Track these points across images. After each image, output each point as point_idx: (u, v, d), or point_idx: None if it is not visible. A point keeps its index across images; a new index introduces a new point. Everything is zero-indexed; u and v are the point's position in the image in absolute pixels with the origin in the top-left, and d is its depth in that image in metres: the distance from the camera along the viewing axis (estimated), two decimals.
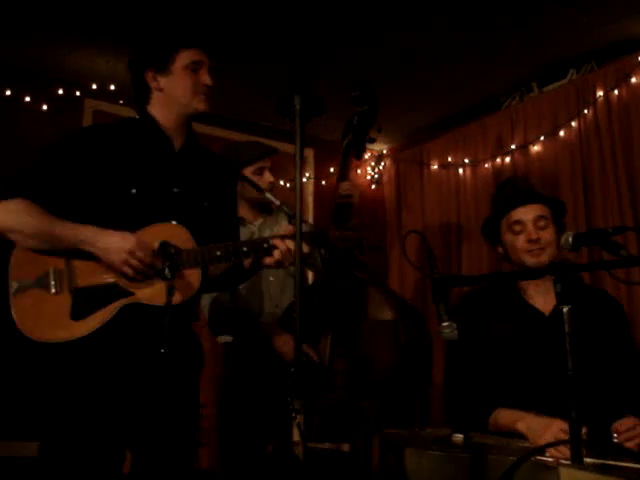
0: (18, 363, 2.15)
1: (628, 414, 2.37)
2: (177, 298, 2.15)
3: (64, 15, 4.03)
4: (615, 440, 2.28)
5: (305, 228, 2.42)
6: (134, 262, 2.13)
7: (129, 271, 2.15)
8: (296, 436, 1.80)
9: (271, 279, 3.35)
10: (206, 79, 2.40)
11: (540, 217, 2.68)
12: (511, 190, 2.81)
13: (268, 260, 2.26)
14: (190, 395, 2.39)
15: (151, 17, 4.04)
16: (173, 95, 2.39)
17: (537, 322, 2.62)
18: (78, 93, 4.87)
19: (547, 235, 2.65)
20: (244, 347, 3.26)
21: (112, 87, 4.89)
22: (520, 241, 2.67)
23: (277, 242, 2.23)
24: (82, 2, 3.90)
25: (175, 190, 2.37)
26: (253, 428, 3.15)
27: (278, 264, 2.26)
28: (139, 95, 2.46)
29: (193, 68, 2.39)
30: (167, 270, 2.03)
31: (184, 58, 2.39)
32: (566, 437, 2.15)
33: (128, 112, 4.83)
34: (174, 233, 2.22)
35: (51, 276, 2.19)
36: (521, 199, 2.72)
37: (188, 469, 2.34)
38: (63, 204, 2.24)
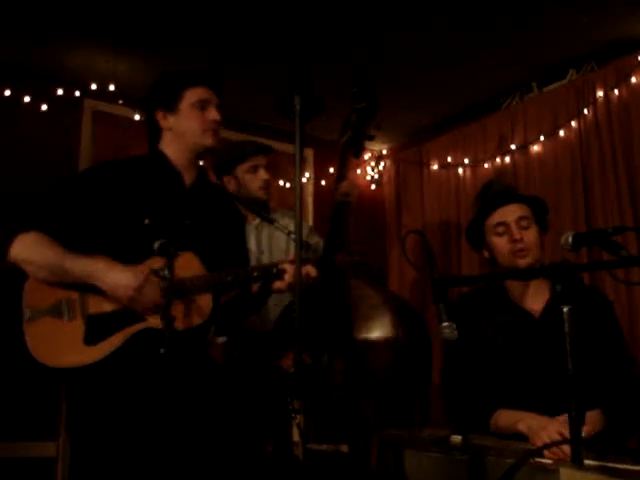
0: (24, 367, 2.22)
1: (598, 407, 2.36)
2: (189, 323, 2.26)
3: (63, 15, 4.02)
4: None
5: (310, 254, 2.47)
6: (142, 299, 2.19)
7: (137, 307, 2.22)
8: (296, 436, 1.80)
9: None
10: (214, 115, 2.47)
11: (522, 217, 2.67)
12: (491, 192, 2.81)
13: (278, 284, 2.34)
14: (208, 415, 2.37)
15: (151, 17, 4.04)
16: (182, 133, 2.47)
17: (527, 324, 2.62)
18: (78, 93, 4.86)
19: (530, 236, 2.64)
20: (242, 347, 3.26)
21: (112, 87, 4.88)
22: (504, 242, 2.66)
23: (286, 266, 2.30)
24: (81, 2, 3.90)
25: (187, 222, 2.44)
26: (252, 428, 3.15)
27: (289, 288, 2.32)
28: (151, 134, 2.54)
29: (201, 106, 2.46)
30: (166, 270, 2.04)
31: (191, 96, 2.46)
32: (561, 438, 2.16)
33: (127, 112, 4.85)
34: (186, 260, 2.27)
35: (64, 304, 2.27)
36: (501, 200, 2.72)
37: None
38: (77, 236, 2.32)
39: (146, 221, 2.35)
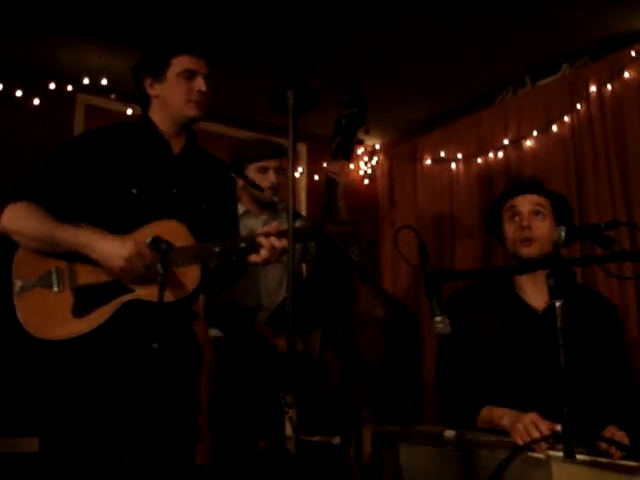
0: (19, 359, 2.22)
1: (612, 423, 2.35)
2: (178, 294, 2.24)
3: (55, 10, 4.00)
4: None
5: (300, 223, 2.44)
6: (131, 268, 2.17)
7: (126, 277, 2.22)
8: (289, 430, 1.81)
9: (270, 276, 3.35)
10: (199, 85, 2.43)
11: (537, 207, 2.66)
12: (515, 180, 2.81)
13: (253, 257, 2.28)
14: (189, 393, 2.42)
15: (145, 12, 4.03)
16: (167, 102, 2.45)
17: (529, 319, 2.61)
18: (70, 88, 4.84)
19: (541, 227, 2.62)
20: (234, 341, 3.27)
21: (104, 82, 4.86)
22: (513, 228, 2.66)
23: (261, 240, 2.24)
24: None
25: (174, 192, 2.42)
26: (244, 423, 3.16)
27: (264, 262, 2.28)
28: (141, 101, 2.53)
29: (187, 75, 2.43)
30: (159, 265, 2.04)
31: (178, 65, 2.43)
32: (533, 429, 2.15)
33: (120, 106, 4.84)
34: (173, 230, 2.26)
35: (53, 275, 2.26)
36: (521, 188, 2.71)
37: (186, 466, 2.38)
38: (67, 205, 2.32)
39: (134, 190, 2.34)
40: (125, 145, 2.43)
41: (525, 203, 2.67)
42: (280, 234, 2.22)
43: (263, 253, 2.24)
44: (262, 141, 3.53)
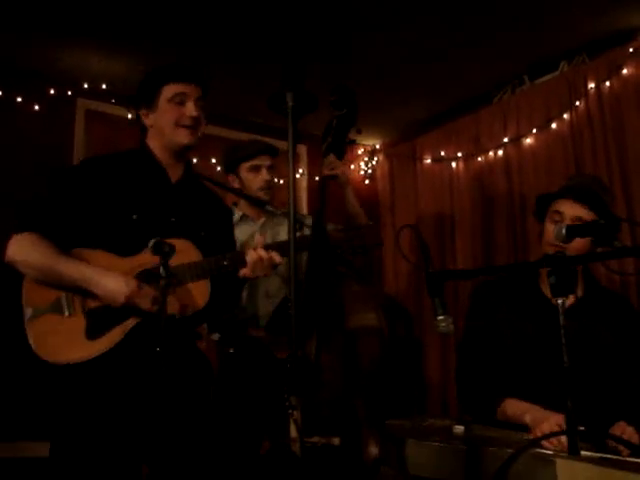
0: (28, 367, 2.24)
1: (622, 419, 2.36)
2: (188, 310, 2.29)
3: (55, 14, 4.01)
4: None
5: (303, 232, 2.47)
6: (137, 303, 2.22)
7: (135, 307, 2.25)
8: (293, 432, 1.81)
9: (270, 282, 3.35)
10: (190, 110, 2.46)
11: (579, 218, 2.61)
12: (575, 181, 2.79)
13: (243, 271, 2.35)
14: (200, 404, 2.44)
15: (144, 16, 4.03)
16: (160, 129, 2.50)
17: (553, 315, 2.61)
18: (70, 93, 4.86)
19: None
20: (236, 344, 3.27)
21: (104, 86, 4.88)
22: (550, 231, 2.64)
23: (250, 253, 2.33)
24: (74, 1, 3.88)
25: (172, 220, 2.46)
26: (248, 425, 3.16)
27: (253, 273, 2.35)
28: (141, 130, 2.57)
29: (178, 100, 2.46)
30: (162, 268, 2.05)
31: (167, 92, 2.47)
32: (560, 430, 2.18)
33: (120, 111, 4.85)
34: (182, 248, 2.28)
35: (64, 300, 2.28)
36: (575, 193, 2.66)
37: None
38: (70, 232, 2.34)
39: (134, 216, 2.37)
40: (124, 172, 2.46)
41: (571, 209, 2.63)
42: (268, 247, 2.33)
43: (250, 266, 2.33)
44: (253, 140, 3.56)
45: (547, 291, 2.66)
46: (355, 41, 4.38)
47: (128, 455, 2.23)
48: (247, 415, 3.17)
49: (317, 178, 5.75)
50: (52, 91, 4.78)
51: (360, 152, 6.24)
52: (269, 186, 3.39)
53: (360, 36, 4.32)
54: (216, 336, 3.38)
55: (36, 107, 4.72)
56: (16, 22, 4.10)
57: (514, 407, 2.45)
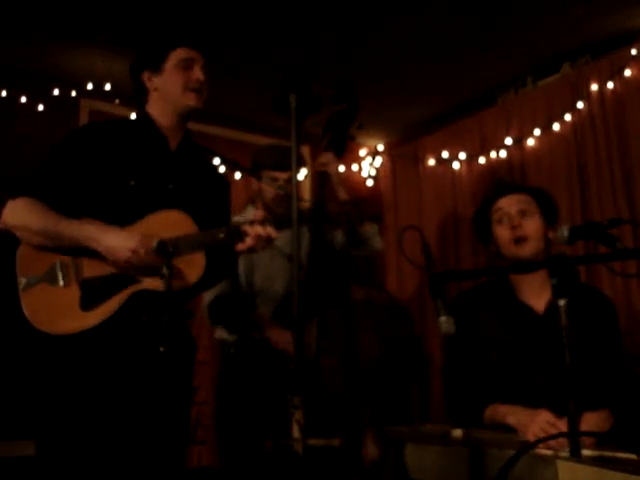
0: (21, 360, 2.21)
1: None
2: (184, 283, 2.24)
3: (59, 15, 4.03)
4: None
5: (303, 205, 2.45)
6: (136, 261, 2.18)
7: (132, 270, 2.21)
8: (296, 432, 1.81)
9: (274, 264, 3.33)
10: (198, 74, 2.46)
11: (523, 205, 2.67)
12: (496, 184, 2.83)
13: (240, 246, 2.31)
14: (183, 388, 2.42)
15: (148, 16, 4.04)
16: (166, 93, 2.48)
17: (530, 321, 2.61)
18: (74, 93, 4.87)
19: (531, 224, 2.64)
20: (241, 343, 3.27)
21: (108, 87, 4.88)
22: (504, 230, 2.66)
23: (246, 228, 2.27)
24: (77, 2, 3.90)
25: (170, 187, 2.43)
26: (251, 424, 3.16)
27: (250, 250, 2.31)
28: (138, 96, 2.56)
29: (185, 65, 2.46)
30: (165, 268, 2.05)
31: (175, 56, 2.47)
32: (552, 428, 2.18)
33: (124, 111, 4.85)
34: (177, 219, 2.28)
35: (58, 269, 2.26)
36: (504, 190, 2.74)
37: (178, 466, 2.37)
38: (67, 199, 2.31)
39: (132, 182, 2.35)
40: (125, 139, 2.44)
41: (511, 204, 2.69)
42: (264, 221, 2.27)
43: (248, 241, 2.28)
44: (280, 150, 3.40)
45: (524, 297, 2.66)
46: (357, 41, 4.39)
47: (109, 440, 2.18)
48: (250, 415, 3.18)
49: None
50: (56, 91, 4.79)
51: (363, 153, 6.24)
52: (282, 200, 3.33)
53: (362, 36, 4.33)
54: (219, 334, 3.36)
55: (40, 107, 4.73)
56: (20, 23, 4.12)
57: (496, 411, 2.45)
